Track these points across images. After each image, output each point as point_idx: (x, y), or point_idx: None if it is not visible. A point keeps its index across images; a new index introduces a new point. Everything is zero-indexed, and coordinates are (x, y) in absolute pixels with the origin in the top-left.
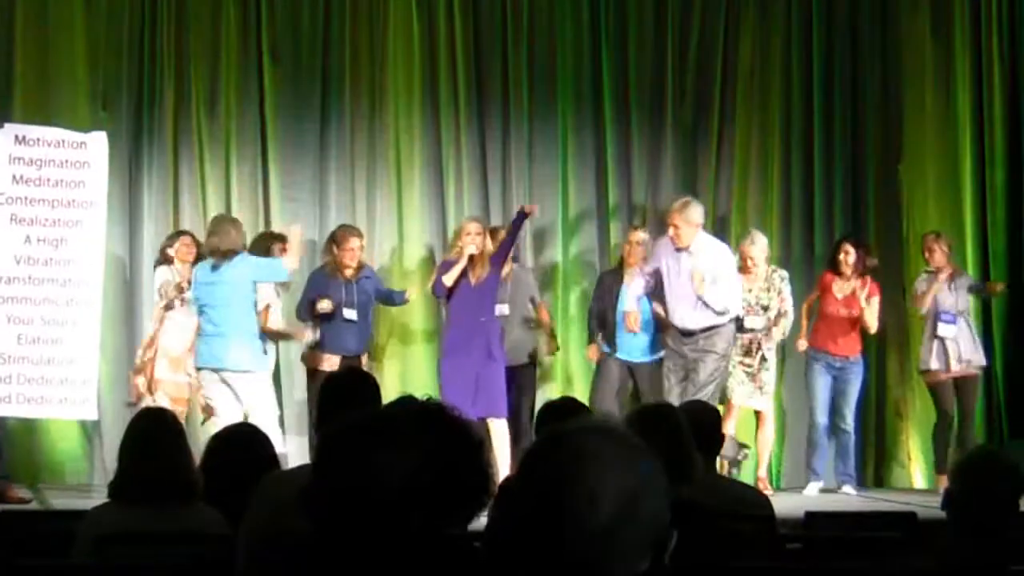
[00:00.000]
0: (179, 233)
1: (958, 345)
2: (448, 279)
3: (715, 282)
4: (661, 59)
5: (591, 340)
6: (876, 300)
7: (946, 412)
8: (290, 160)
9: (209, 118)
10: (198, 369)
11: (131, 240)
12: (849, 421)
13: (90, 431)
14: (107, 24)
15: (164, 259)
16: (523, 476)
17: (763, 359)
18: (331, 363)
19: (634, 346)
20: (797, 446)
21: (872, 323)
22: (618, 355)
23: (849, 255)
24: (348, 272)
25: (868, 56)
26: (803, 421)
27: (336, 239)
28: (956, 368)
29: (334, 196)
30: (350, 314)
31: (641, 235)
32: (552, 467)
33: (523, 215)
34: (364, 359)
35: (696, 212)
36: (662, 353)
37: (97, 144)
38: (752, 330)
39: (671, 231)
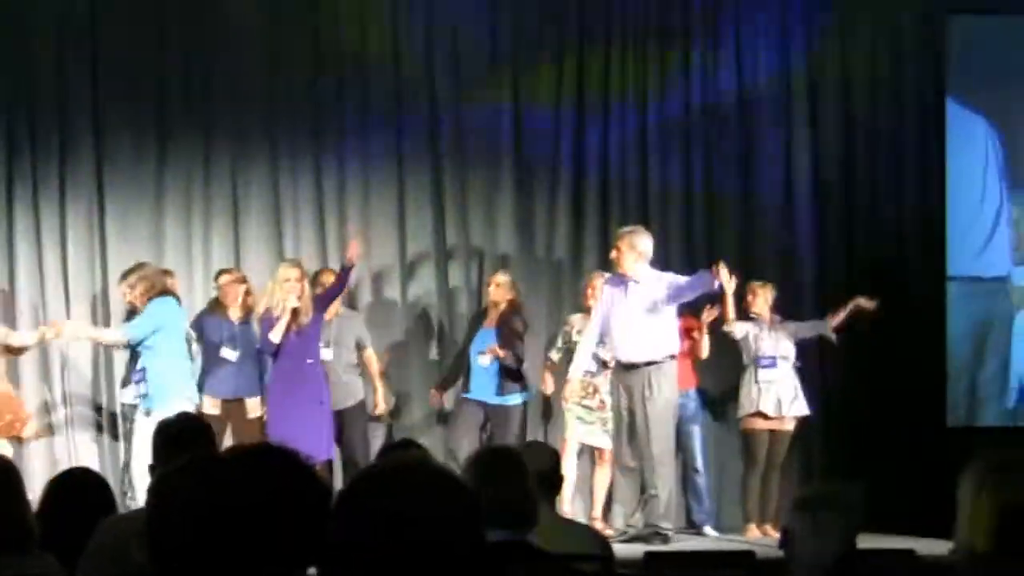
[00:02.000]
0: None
1: (779, 394)
2: (275, 336)
3: (657, 313)
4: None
5: (441, 385)
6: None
7: (754, 461)
8: (126, 202)
9: (43, 161)
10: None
11: None
12: (700, 462)
13: None
14: None
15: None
16: (339, 512)
17: (602, 400)
18: (211, 405)
19: (487, 387)
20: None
21: (704, 352)
22: (472, 396)
23: None
24: (232, 313)
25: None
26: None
27: (216, 279)
28: (774, 415)
29: (170, 238)
30: (228, 354)
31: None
32: (365, 501)
33: (349, 268)
34: (255, 402)
35: (642, 241)
36: (517, 397)
37: None
38: (588, 372)
39: (613, 253)
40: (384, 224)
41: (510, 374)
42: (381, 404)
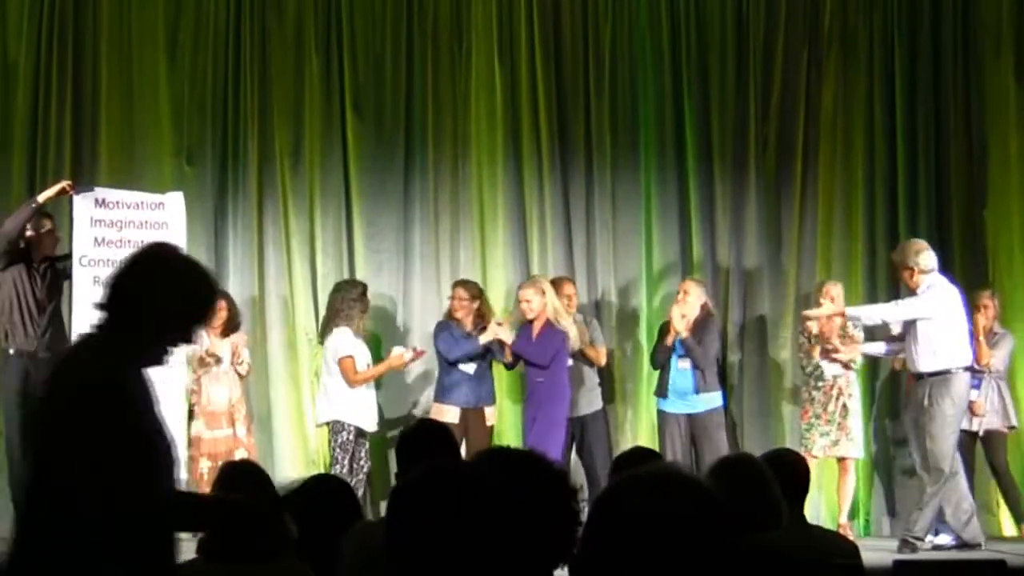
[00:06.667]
0: None
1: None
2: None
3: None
4: (743, 108)
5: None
6: None
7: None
8: (374, 212)
9: (293, 171)
10: None
11: None
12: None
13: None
14: (190, 80)
15: None
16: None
17: (844, 407)
18: (450, 415)
19: (684, 395)
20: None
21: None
22: (669, 404)
23: None
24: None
25: (951, 102)
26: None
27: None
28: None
29: (418, 247)
30: (466, 366)
31: (691, 284)
32: (626, 505)
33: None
34: (493, 410)
35: (924, 257)
36: (714, 401)
37: (174, 204)
38: (833, 376)
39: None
40: (630, 232)
41: (705, 380)
42: None
